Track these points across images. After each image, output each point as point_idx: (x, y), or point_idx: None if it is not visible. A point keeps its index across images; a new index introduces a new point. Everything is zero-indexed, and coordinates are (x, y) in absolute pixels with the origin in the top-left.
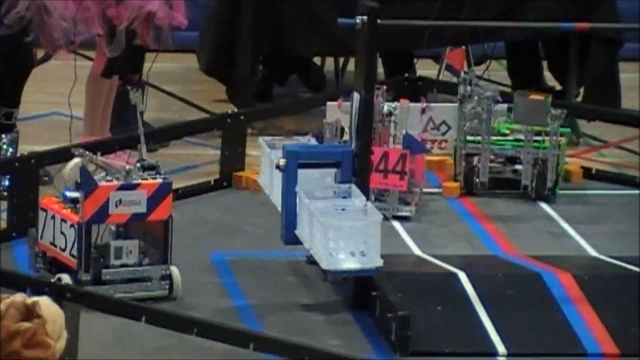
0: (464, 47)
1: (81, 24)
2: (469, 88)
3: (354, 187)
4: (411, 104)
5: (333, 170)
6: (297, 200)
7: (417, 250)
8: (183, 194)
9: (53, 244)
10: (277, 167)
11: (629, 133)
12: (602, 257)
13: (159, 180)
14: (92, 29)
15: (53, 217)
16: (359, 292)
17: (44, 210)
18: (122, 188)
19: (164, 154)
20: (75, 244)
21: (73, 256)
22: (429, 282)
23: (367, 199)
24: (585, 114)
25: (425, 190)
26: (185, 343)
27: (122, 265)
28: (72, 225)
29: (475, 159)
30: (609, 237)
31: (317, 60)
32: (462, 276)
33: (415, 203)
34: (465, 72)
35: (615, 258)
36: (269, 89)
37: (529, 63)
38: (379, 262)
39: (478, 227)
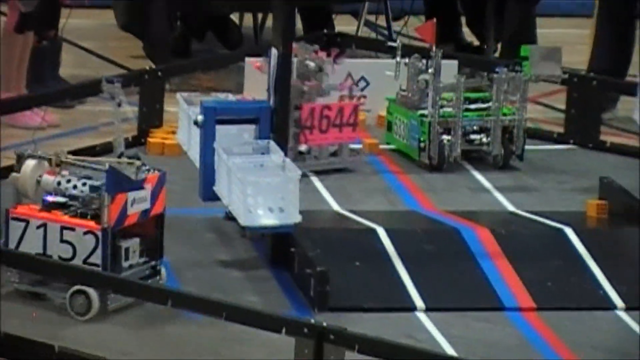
0: (434, 20)
1: None
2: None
3: (272, 143)
4: (326, 59)
5: (251, 127)
6: (215, 157)
7: (335, 206)
8: (101, 151)
9: (44, 254)
10: (195, 123)
11: (547, 88)
12: (519, 212)
13: (157, 173)
14: None
15: (44, 226)
16: (277, 248)
17: (19, 220)
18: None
19: (80, 110)
20: (99, 251)
21: (92, 264)
22: (347, 238)
23: (285, 155)
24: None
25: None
26: None
27: (130, 267)
28: (89, 232)
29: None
30: (527, 192)
31: (235, 17)
32: (381, 232)
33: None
34: (433, 49)
35: (532, 213)
36: (186, 45)
37: (447, 19)
38: (298, 218)
39: (397, 183)
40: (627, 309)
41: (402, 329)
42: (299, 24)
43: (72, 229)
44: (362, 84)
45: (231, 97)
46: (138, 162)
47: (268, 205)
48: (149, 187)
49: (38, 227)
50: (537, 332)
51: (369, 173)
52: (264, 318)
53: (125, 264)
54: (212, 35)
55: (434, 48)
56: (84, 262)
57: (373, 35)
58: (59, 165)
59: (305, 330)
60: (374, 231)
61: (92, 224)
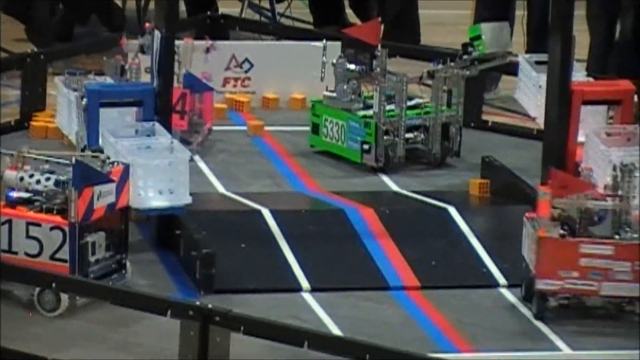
0: (379, 19)
1: None
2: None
3: (157, 125)
4: (196, 42)
5: (132, 109)
6: (101, 140)
7: (221, 189)
8: None
9: (9, 251)
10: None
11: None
12: (403, 192)
13: (121, 166)
14: None
15: (8, 222)
16: (163, 231)
17: None
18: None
19: None
20: (67, 247)
21: (59, 260)
22: (232, 220)
23: (172, 137)
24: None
25: (229, 128)
26: None
27: (97, 261)
28: (56, 228)
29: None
30: (410, 172)
31: (118, 0)
32: (266, 213)
33: (199, 143)
34: (378, 49)
35: (415, 193)
36: (69, 28)
37: (330, 0)
38: (188, 200)
39: (282, 164)
40: (510, 286)
41: (287, 310)
42: (183, 7)
43: (38, 225)
44: (246, 65)
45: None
46: (103, 156)
47: (158, 188)
48: (114, 180)
49: (3, 224)
50: (421, 310)
51: (254, 155)
52: (149, 301)
53: (92, 259)
54: (96, 18)
55: (379, 47)
56: (51, 258)
57: (257, 17)
58: (20, 160)
59: (191, 312)
60: (259, 212)
61: (58, 219)
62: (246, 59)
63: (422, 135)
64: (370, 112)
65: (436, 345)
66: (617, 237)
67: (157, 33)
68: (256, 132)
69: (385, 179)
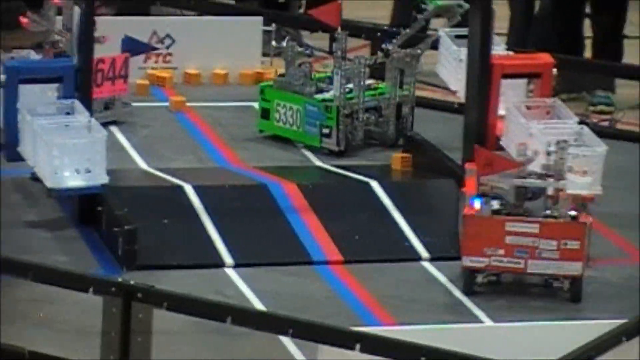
0: (340, 1)
1: None
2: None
3: (77, 102)
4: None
5: (54, 85)
6: (19, 117)
7: (143, 165)
8: None
9: None
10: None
11: (354, 43)
12: (326, 166)
13: None
14: None
15: None
16: (84, 207)
17: None
18: None
19: None
20: None
21: None
22: (155, 196)
23: (91, 115)
24: (308, 25)
25: (151, 104)
26: None
27: None
28: None
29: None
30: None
31: None
32: (189, 189)
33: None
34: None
35: (338, 167)
36: None
37: None
38: (105, 179)
39: (204, 140)
40: (432, 260)
41: (211, 285)
42: None
43: None
44: (167, 41)
45: (33, 55)
46: None
47: (74, 167)
48: None
49: None
50: (344, 285)
51: (177, 131)
52: (70, 278)
53: None
54: None
55: (339, 30)
56: None
57: None
58: None
59: (113, 289)
60: (181, 188)
61: None
62: (167, 35)
63: (374, 117)
64: (328, 96)
65: (359, 319)
66: (544, 214)
67: (76, 9)
68: (178, 107)
69: (308, 153)
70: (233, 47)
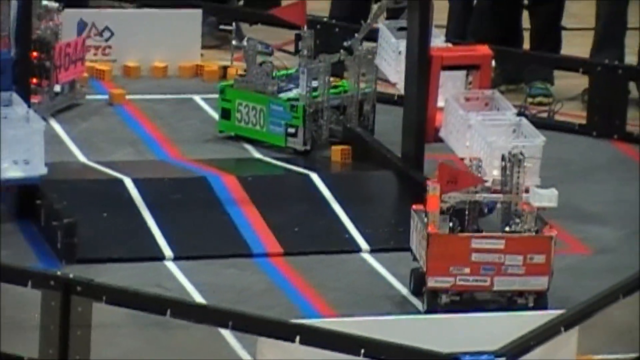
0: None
1: None
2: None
3: (14, 94)
4: None
5: None
6: None
7: (82, 158)
8: None
9: None
10: None
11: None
12: (266, 158)
13: None
14: None
15: None
16: (23, 201)
17: None
18: None
19: None
20: None
21: None
22: (94, 189)
23: (29, 106)
24: (248, 17)
25: (90, 97)
26: None
27: None
28: None
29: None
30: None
31: None
32: (128, 182)
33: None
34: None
35: (277, 159)
36: None
37: None
38: (43, 170)
39: (144, 133)
40: (372, 251)
41: (151, 279)
42: None
43: None
44: (106, 34)
45: None
46: None
47: (13, 158)
48: None
49: None
50: (284, 277)
51: (116, 124)
52: (9, 271)
53: None
54: None
55: (304, 29)
56: None
57: None
58: None
59: (52, 282)
60: (121, 181)
61: None
62: (106, 27)
63: (336, 115)
64: (292, 95)
65: (299, 311)
66: (507, 229)
67: (14, 3)
68: (118, 100)
69: (248, 146)
70: (172, 40)
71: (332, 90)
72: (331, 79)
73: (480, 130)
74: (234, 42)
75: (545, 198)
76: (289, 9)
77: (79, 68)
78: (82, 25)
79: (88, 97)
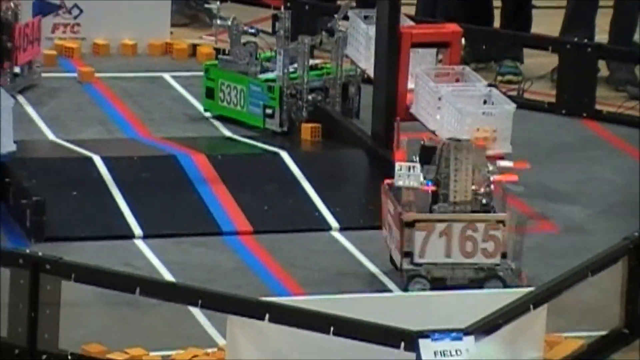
0: None
1: None
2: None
3: None
4: None
5: None
6: None
7: (51, 136)
8: None
9: None
10: None
11: (262, 14)
12: (235, 137)
13: None
14: None
15: None
16: None
17: None
18: None
19: None
20: None
21: None
22: (63, 167)
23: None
24: None
25: (59, 75)
26: None
27: None
28: None
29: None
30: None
31: None
32: (97, 160)
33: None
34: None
35: (247, 137)
36: None
37: None
38: (12, 147)
39: (113, 111)
40: (342, 229)
41: (120, 257)
42: None
43: None
44: (75, 11)
45: None
46: None
47: None
48: None
49: None
50: (254, 255)
51: (85, 102)
52: None
53: None
54: None
55: (282, 9)
56: None
57: None
58: None
59: (20, 260)
60: (90, 160)
61: None
62: (75, 5)
63: (320, 97)
64: (272, 76)
65: (269, 289)
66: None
67: None
68: (87, 78)
69: (218, 124)
70: (142, 18)
71: (315, 72)
72: (319, 61)
73: (450, 100)
74: (218, 22)
75: (412, 178)
76: None
77: (36, 49)
78: (38, 4)
79: (57, 74)
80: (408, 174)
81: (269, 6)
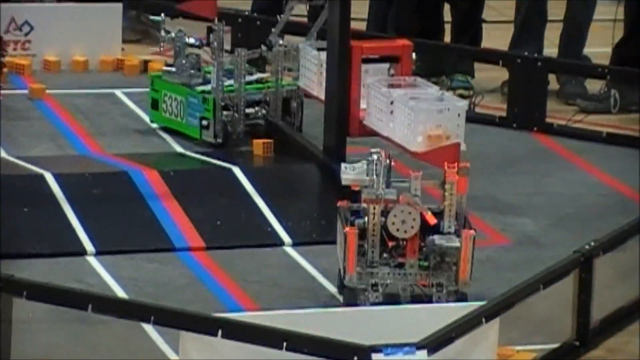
0: None
1: None
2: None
3: None
4: None
5: None
6: None
7: (2, 153)
8: None
9: None
10: None
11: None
12: (187, 153)
13: None
14: None
15: None
16: None
17: None
18: None
19: None
20: None
21: None
22: (14, 185)
23: None
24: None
25: (9, 92)
26: None
27: None
28: None
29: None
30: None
31: None
32: (49, 177)
33: None
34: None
35: (199, 153)
36: None
37: None
38: None
39: (64, 127)
40: (294, 245)
41: (72, 274)
42: None
43: None
44: (26, 28)
45: None
46: None
47: None
48: None
49: None
50: (207, 271)
51: (36, 118)
52: None
53: None
54: None
55: (215, 21)
56: None
57: None
58: None
59: None
60: (41, 176)
61: None
62: (26, 22)
63: (263, 111)
64: (208, 87)
65: (222, 305)
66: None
67: None
68: (38, 95)
69: (170, 140)
70: (93, 34)
71: (257, 85)
72: (266, 74)
73: (403, 101)
74: (162, 33)
75: (357, 172)
76: (199, 2)
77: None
78: None
79: (8, 91)
80: (353, 170)
81: (230, 24)
